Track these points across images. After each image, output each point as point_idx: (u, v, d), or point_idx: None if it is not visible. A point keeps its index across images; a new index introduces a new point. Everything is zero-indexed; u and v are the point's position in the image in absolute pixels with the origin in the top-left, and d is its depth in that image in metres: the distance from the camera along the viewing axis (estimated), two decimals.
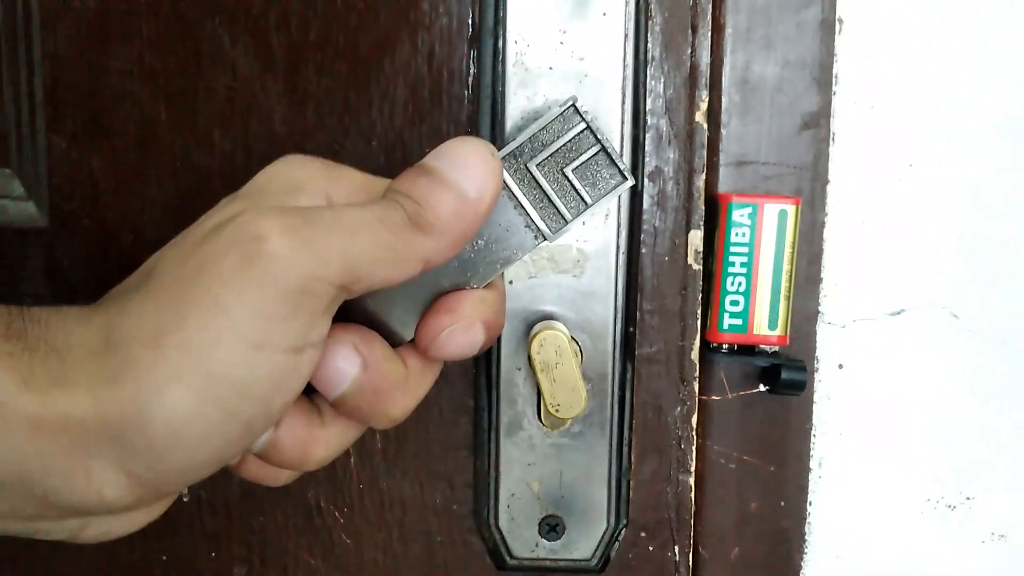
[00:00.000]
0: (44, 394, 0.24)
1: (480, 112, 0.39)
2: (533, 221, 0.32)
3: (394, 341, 0.31)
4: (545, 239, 0.32)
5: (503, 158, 0.31)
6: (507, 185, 0.31)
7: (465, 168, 0.29)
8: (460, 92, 0.40)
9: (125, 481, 0.25)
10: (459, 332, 0.30)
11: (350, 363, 0.29)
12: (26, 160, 0.40)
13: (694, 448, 0.43)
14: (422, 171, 0.29)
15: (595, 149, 0.31)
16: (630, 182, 0.32)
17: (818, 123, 0.41)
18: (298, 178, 0.29)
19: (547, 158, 0.31)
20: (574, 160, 0.31)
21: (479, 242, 0.31)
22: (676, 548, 0.44)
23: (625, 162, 0.31)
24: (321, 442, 0.31)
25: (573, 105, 0.31)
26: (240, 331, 0.25)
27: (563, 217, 0.32)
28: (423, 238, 0.28)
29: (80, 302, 0.41)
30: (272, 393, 0.26)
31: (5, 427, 0.24)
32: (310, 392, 0.30)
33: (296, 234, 0.25)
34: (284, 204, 0.28)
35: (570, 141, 0.31)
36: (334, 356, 0.29)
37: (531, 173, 0.31)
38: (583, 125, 0.31)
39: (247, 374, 0.25)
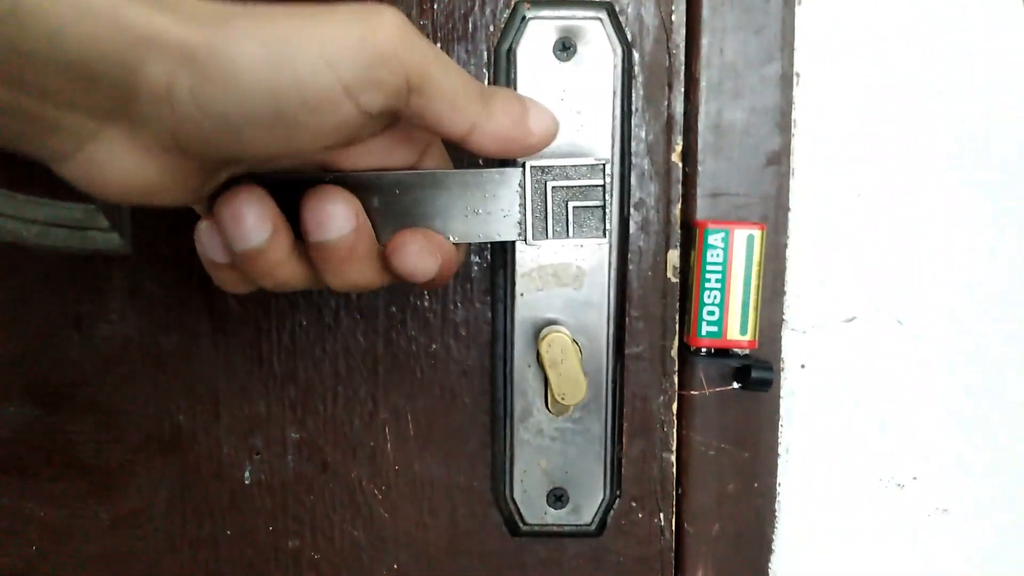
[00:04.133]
0: (149, 9, 0.27)
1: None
2: (525, 221, 0.37)
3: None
4: (524, 240, 0.37)
5: (536, 167, 0.36)
6: (524, 185, 0.36)
7: (542, 114, 0.34)
8: None
9: (169, 103, 0.27)
10: (423, 253, 0.34)
11: (346, 219, 0.33)
12: None
13: (675, 431, 0.48)
14: (516, 94, 0.34)
15: (598, 203, 0.37)
16: (604, 240, 0.37)
17: (780, 160, 0.46)
18: None
19: (563, 187, 0.37)
20: (580, 200, 0.37)
21: (480, 210, 0.36)
22: (661, 515, 0.48)
23: (610, 225, 0.37)
24: (288, 270, 0.34)
25: (604, 165, 0.37)
26: (325, 47, 0.28)
27: (546, 234, 0.37)
28: (485, 111, 0.32)
29: (160, 322, 0.46)
30: (315, 104, 0.28)
31: (113, 23, 0.26)
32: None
33: (407, 24, 0.29)
34: None
35: (585, 187, 0.37)
36: (335, 205, 0.32)
37: (546, 189, 0.37)
38: (602, 182, 0.37)
39: (308, 75, 0.28)
